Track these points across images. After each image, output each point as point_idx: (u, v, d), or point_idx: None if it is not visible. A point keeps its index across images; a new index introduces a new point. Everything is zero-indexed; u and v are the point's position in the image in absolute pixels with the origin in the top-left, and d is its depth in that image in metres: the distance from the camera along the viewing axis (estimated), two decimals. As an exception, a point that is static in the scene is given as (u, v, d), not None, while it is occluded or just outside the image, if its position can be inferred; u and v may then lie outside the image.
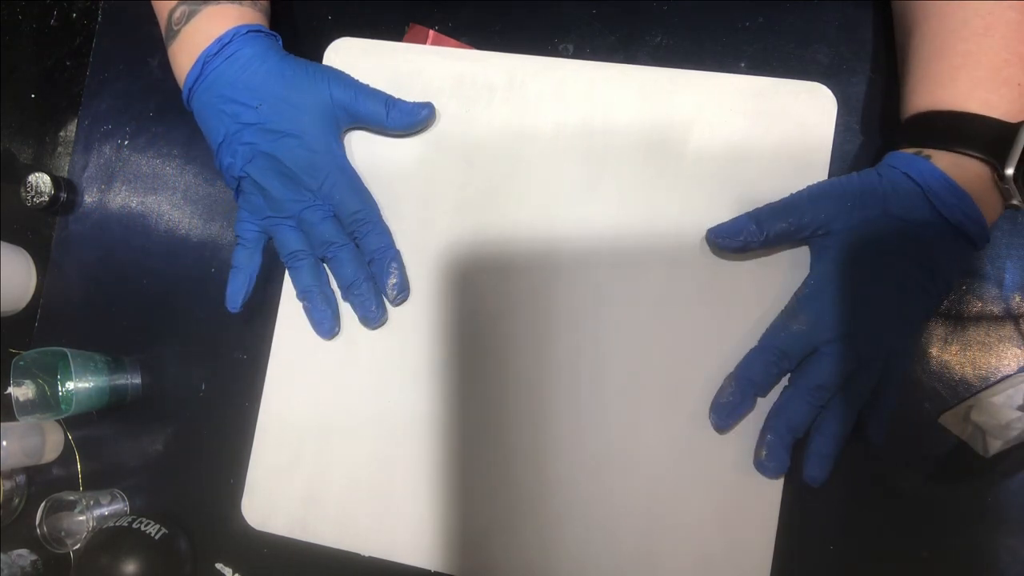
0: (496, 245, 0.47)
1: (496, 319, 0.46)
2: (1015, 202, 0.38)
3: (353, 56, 0.50)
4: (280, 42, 0.48)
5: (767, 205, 0.42)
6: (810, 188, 0.41)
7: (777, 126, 0.44)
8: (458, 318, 0.47)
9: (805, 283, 0.41)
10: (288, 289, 0.49)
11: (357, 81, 0.48)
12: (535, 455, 0.45)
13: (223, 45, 0.45)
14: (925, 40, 0.40)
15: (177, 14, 0.47)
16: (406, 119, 0.47)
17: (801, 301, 0.41)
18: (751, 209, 0.42)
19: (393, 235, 0.48)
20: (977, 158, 0.37)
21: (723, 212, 0.44)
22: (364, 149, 0.49)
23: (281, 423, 0.48)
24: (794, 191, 0.42)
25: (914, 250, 0.39)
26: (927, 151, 0.39)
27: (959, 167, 0.38)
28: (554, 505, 0.44)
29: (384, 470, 0.47)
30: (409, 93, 0.49)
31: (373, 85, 0.48)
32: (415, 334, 0.47)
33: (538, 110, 0.47)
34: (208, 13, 0.46)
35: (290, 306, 0.49)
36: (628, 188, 0.46)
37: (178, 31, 0.47)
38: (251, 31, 0.46)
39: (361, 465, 0.47)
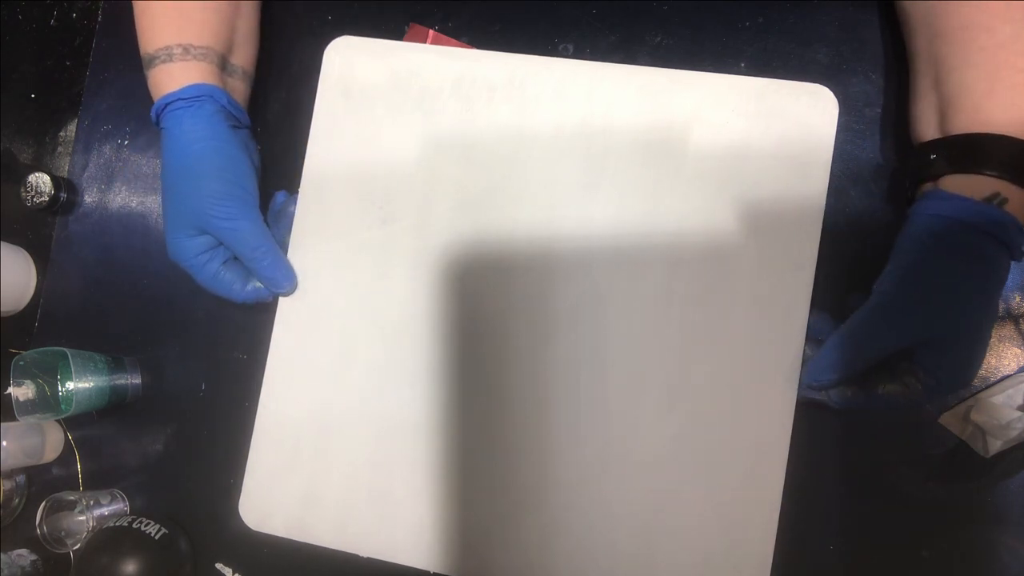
0: (496, 245, 0.47)
1: (495, 318, 0.46)
2: None
3: (353, 55, 0.50)
4: (217, 104, 0.47)
5: (844, 331, 0.40)
6: (882, 301, 0.39)
7: (777, 127, 0.44)
8: (457, 317, 0.47)
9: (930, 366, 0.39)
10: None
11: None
12: (534, 455, 0.45)
13: (160, 109, 0.46)
14: (972, 51, 0.38)
15: (145, 57, 0.48)
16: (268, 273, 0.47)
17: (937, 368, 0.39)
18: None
19: (393, 235, 0.48)
20: None
21: (723, 212, 0.44)
22: (364, 148, 0.49)
23: (279, 423, 0.48)
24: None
25: (998, 290, 0.38)
26: (1003, 193, 0.36)
27: (1014, 194, 0.37)
28: (554, 505, 0.44)
29: (383, 470, 0.47)
30: (409, 93, 0.49)
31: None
32: (414, 333, 0.47)
33: (538, 110, 0.47)
34: (158, 72, 0.47)
35: (289, 306, 0.49)
36: (628, 188, 0.46)
37: (148, 73, 0.48)
38: (189, 101, 0.46)
39: (360, 465, 0.47)
